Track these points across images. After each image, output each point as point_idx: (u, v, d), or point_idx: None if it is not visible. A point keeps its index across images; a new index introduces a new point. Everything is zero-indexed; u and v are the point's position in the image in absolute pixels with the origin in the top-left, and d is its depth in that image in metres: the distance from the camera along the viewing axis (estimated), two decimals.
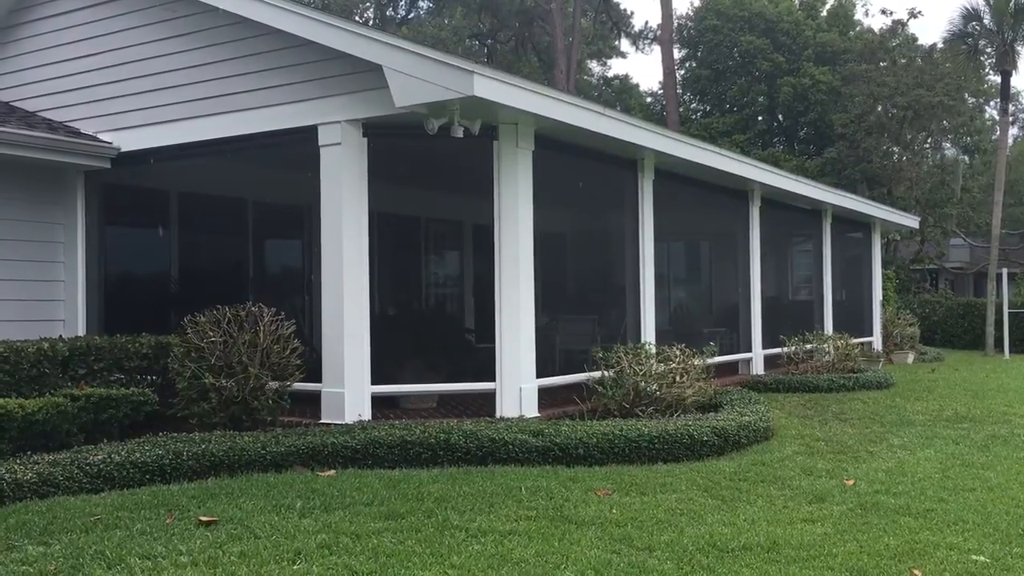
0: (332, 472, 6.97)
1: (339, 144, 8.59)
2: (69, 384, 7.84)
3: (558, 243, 11.45)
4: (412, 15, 41.37)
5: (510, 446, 7.36)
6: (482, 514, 5.81)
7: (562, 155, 9.84)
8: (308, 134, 8.80)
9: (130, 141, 10.12)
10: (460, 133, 8.15)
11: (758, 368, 14.12)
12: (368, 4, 40.08)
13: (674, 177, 12.07)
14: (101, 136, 10.25)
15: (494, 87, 7.82)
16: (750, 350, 14.18)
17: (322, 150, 8.71)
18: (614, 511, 5.95)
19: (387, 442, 7.25)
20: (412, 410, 9.40)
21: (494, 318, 8.90)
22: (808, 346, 14.62)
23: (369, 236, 8.71)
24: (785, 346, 14.54)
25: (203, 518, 5.56)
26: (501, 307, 8.87)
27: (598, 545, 5.13)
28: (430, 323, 11.04)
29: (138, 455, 6.63)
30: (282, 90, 9.03)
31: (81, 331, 10.35)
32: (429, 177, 11.12)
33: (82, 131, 10.33)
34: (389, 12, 40.65)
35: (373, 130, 8.71)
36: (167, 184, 11.00)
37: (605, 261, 11.83)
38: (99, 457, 6.50)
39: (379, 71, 8.09)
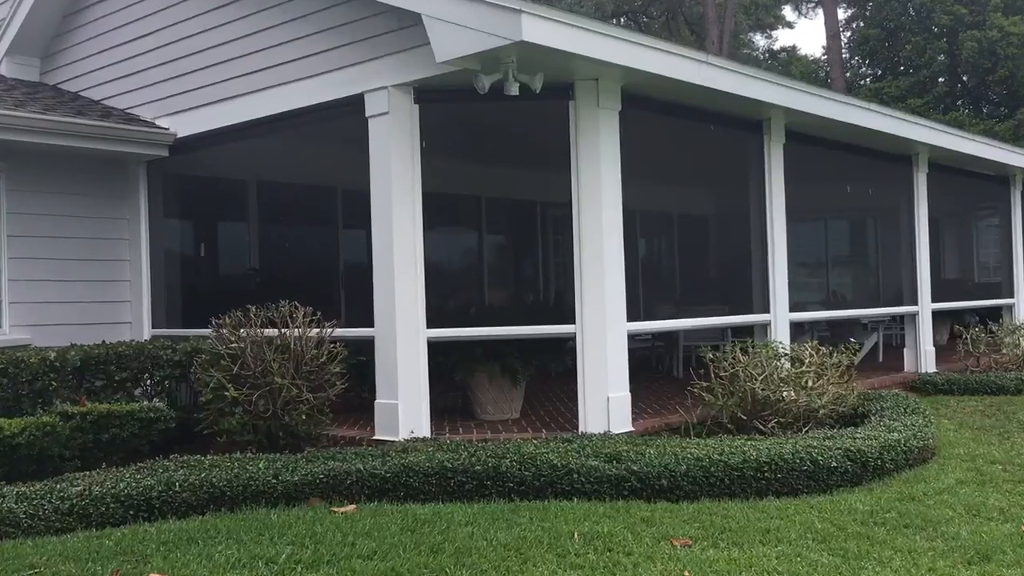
0: (353, 507, 5.73)
1: (386, 113, 7.35)
2: (93, 399, 6.98)
3: (661, 224, 9.77)
4: None
5: (575, 475, 5.89)
6: (509, 574, 4.43)
7: (660, 116, 8.21)
8: (356, 105, 7.63)
9: (186, 125, 9.27)
10: (515, 91, 6.68)
11: (928, 365, 11.90)
12: None
13: (811, 140, 10.12)
14: (158, 122, 9.47)
15: (550, 30, 6.32)
16: (916, 343, 11.98)
17: (370, 121, 7.49)
18: (686, 574, 4.42)
19: (423, 470, 5.93)
20: (489, 422, 8.08)
21: (573, 314, 7.42)
22: (992, 337, 12.32)
23: (424, 217, 7.43)
24: (961, 337, 12.28)
25: None
26: (583, 302, 7.38)
27: None
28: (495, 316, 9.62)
29: (123, 486, 5.60)
30: (329, 56, 7.90)
31: (147, 333, 9.63)
32: (495, 146, 9.70)
33: (140, 117, 9.58)
34: None
35: (425, 95, 7.42)
36: (230, 171, 10.13)
37: (725, 244, 10.05)
38: (75, 489, 5.51)
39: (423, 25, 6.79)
